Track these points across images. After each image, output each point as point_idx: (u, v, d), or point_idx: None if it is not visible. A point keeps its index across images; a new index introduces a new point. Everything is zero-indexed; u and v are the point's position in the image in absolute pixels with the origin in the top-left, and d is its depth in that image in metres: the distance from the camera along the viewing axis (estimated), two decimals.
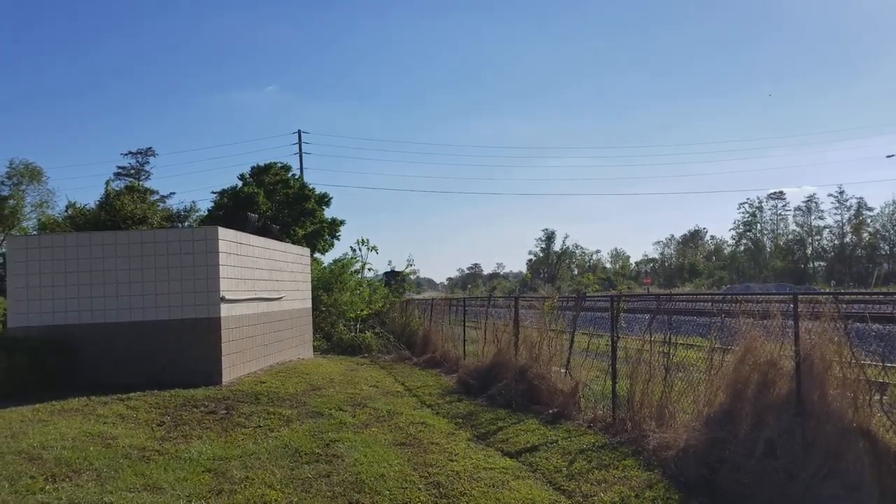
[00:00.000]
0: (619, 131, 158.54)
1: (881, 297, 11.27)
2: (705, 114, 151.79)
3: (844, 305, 6.53)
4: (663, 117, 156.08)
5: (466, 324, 17.23)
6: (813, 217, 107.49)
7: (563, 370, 11.07)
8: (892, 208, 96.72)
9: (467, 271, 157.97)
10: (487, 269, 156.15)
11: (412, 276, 27.12)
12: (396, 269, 26.01)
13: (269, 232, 18.50)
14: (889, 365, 5.89)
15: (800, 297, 6.57)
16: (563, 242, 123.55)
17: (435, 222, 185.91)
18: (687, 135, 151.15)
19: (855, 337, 6.25)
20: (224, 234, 12.87)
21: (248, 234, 14.75)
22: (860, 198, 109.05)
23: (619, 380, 9.17)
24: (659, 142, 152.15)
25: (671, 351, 8.53)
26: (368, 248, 24.94)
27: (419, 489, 6.60)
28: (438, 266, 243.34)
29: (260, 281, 14.56)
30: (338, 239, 34.15)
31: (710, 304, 9.20)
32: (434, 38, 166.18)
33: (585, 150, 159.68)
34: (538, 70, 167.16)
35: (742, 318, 7.25)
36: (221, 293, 12.40)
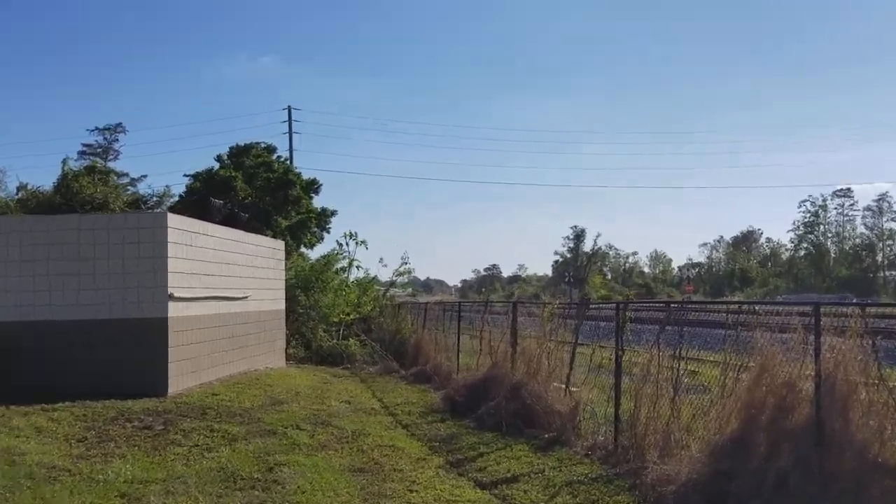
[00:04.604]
0: (664, 115, 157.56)
1: None
2: (765, 98, 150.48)
3: (874, 319, 6.32)
4: (717, 100, 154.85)
5: (463, 332, 17.10)
6: (885, 219, 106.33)
7: (562, 387, 10.95)
8: None
9: (484, 273, 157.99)
10: (508, 271, 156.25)
11: (405, 277, 26.95)
12: None
13: (237, 220, 18.45)
14: None
15: (823, 308, 6.37)
16: (595, 242, 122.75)
17: (449, 216, 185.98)
18: (742, 121, 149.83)
19: (885, 356, 6.06)
20: (175, 221, 12.83)
21: (207, 224, 14.66)
22: None
23: (623, 400, 9.04)
24: (710, 128, 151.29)
25: (681, 368, 8.37)
26: (357, 243, 24.81)
27: None
28: (451, 266, 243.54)
29: (220, 277, 14.50)
30: (327, 232, 34.11)
31: (726, 314, 8.97)
32: (459, 3, 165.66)
33: (625, 135, 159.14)
34: (577, 43, 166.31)
35: (759, 331, 7.09)
36: (170, 290, 12.35)
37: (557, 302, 12.08)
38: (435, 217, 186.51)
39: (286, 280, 20.05)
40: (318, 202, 34.61)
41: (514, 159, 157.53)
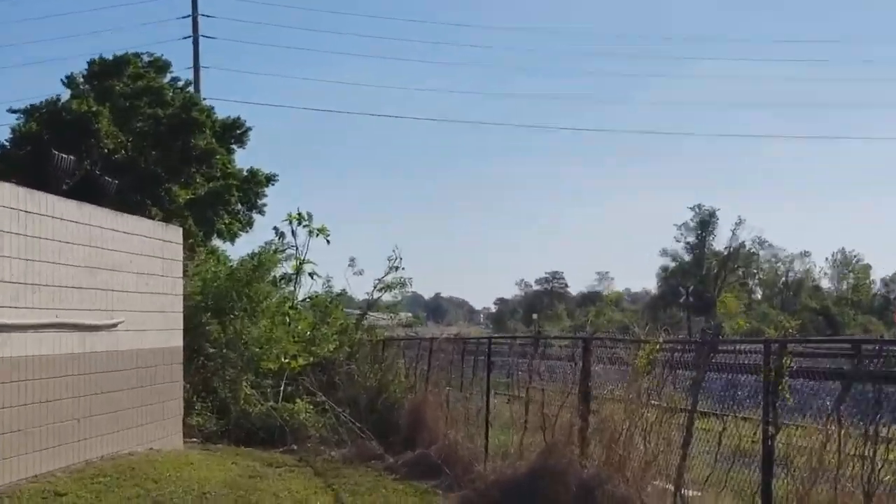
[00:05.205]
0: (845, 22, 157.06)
1: None
2: None
3: None
4: None
5: (497, 390, 17.21)
6: None
7: (669, 488, 11.02)
8: None
9: (536, 287, 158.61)
10: (578, 285, 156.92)
11: (395, 293, 27.11)
12: None
13: (102, 191, 18.55)
14: None
15: None
16: (733, 234, 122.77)
17: (473, 189, 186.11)
18: None
19: None
20: None
21: (50, 197, 14.75)
22: None
23: None
24: None
25: (880, 456, 8.42)
26: (311, 232, 24.81)
27: None
28: (479, 277, 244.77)
29: (72, 289, 14.69)
30: (260, 212, 34.31)
31: None
32: None
33: (781, 47, 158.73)
34: None
35: None
36: None
37: (661, 339, 12.07)
38: (449, 190, 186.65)
39: (188, 295, 20.28)
40: (242, 160, 34.79)
41: (595, 85, 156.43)
